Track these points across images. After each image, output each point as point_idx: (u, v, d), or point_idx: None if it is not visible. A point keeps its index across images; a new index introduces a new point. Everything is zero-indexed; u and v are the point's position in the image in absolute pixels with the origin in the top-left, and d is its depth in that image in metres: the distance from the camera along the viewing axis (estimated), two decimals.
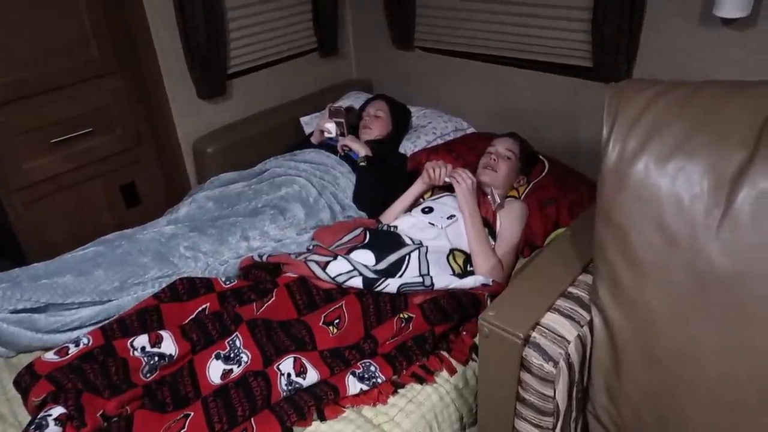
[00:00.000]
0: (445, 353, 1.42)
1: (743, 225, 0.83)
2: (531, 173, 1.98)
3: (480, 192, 1.81)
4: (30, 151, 1.99)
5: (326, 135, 2.19)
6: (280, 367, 1.29)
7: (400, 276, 1.53)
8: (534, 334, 1.02)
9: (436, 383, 1.34)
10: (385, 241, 1.64)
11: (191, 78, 2.18)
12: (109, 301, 1.53)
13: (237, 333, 1.36)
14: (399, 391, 1.32)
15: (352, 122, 2.26)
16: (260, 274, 1.59)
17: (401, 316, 1.42)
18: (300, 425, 1.21)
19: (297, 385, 1.26)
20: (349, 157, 2.09)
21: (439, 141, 2.30)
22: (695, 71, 1.71)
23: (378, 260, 1.57)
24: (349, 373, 1.31)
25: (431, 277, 1.50)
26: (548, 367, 0.99)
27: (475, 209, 1.71)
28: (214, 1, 2.08)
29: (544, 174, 1.98)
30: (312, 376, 1.28)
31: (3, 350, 1.44)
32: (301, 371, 1.29)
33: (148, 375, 1.30)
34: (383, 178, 2.00)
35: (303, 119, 2.47)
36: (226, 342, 1.35)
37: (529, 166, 1.96)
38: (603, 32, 1.79)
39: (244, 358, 1.32)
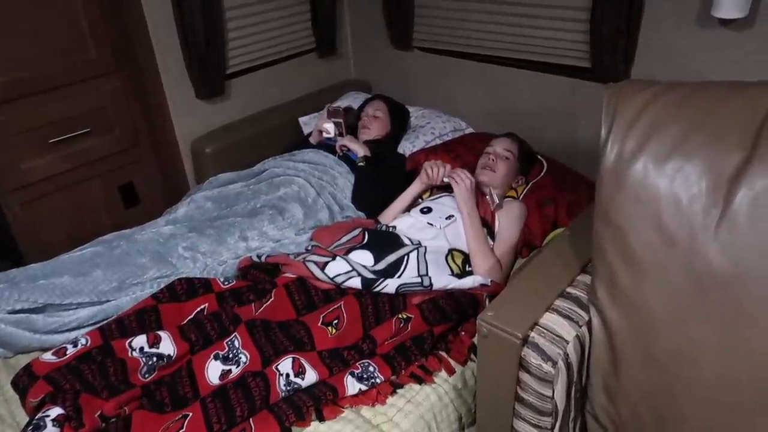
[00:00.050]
0: (443, 353, 1.42)
1: (741, 226, 0.83)
2: (529, 173, 1.98)
3: (479, 192, 1.82)
4: (28, 151, 1.99)
5: (325, 135, 2.19)
6: (278, 367, 1.29)
7: (399, 276, 1.53)
8: (533, 334, 1.03)
9: (434, 383, 1.34)
10: (384, 242, 1.64)
11: (189, 78, 2.18)
12: (108, 301, 1.53)
13: (236, 333, 1.36)
14: (398, 391, 1.32)
15: (350, 122, 2.26)
16: (259, 275, 1.59)
17: (400, 316, 1.42)
18: (299, 425, 1.21)
19: (296, 386, 1.26)
20: (347, 158, 2.08)
21: (438, 141, 2.30)
22: (693, 72, 1.71)
23: (377, 261, 1.57)
24: (347, 374, 1.31)
25: (430, 278, 1.50)
26: (547, 367, 1.00)
27: (473, 209, 1.71)
28: (213, 0, 2.08)
29: (542, 174, 1.98)
30: (311, 376, 1.28)
31: (1, 351, 1.44)
32: (299, 372, 1.29)
33: (146, 375, 1.30)
34: (382, 178, 2.00)
35: (301, 119, 2.47)
36: (224, 342, 1.35)
37: (527, 166, 1.97)
38: (601, 32, 1.79)
39: (243, 359, 1.32)
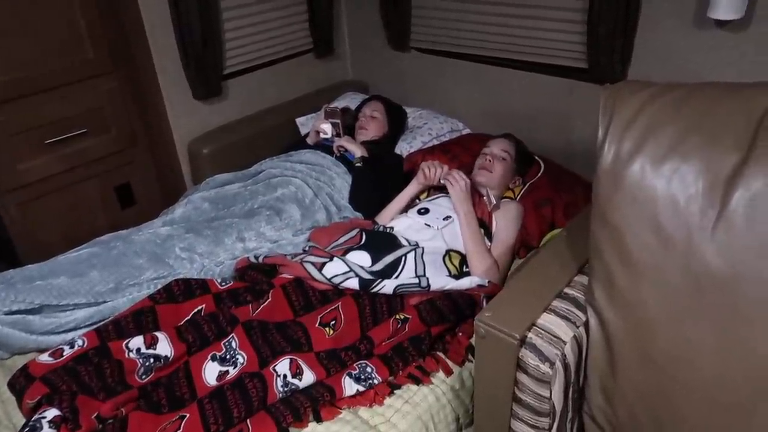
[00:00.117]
0: (441, 354, 1.42)
1: (738, 227, 0.83)
2: (526, 174, 1.98)
3: (476, 193, 1.82)
4: (24, 151, 1.98)
5: (322, 136, 2.19)
6: (276, 368, 1.29)
7: (396, 277, 1.53)
8: (530, 334, 1.03)
9: (432, 384, 1.34)
10: (382, 242, 1.64)
11: (186, 78, 2.17)
12: (104, 302, 1.53)
13: (233, 334, 1.36)
14: (395, 392, 1.32)
15: (348, 123, 2.26)
16: (256, 276, 1.59)
17: (397, 317, 1.42)
18: (296, 426, 1.20)
19: (293, 387, 1.26)
20: (345, 158, 2.08)
21: (435, 142, 2.30)
22: (690, 73, 1.72)
23: (374, 261, 1.57)
24: (345, 374, 1.31)
25: (427, 278, 1.50)
26: (544, 367, 1.00)
27: (470, 210, 1.71)
28: (210, 0, 2.07)
29: (539, 175, 1.98)
30: (308, 377, 1.28)
31: None
32: (297, 372, 1.28)
33: (143, 377, 1.30)
34: (379, 178, 1.99)
35: (299, 120, 2.47)
36: (222, 343, 1.34)
37: (524, 166, 1.97)
38: (598, 33, 1.80)
39: (240, 360, 1.31)
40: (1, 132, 1.91)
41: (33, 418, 1.17)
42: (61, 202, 2.13)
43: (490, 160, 1.87)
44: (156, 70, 2.11)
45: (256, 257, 1.63)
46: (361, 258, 1.57)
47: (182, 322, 1.42)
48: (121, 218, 2.28)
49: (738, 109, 0.88)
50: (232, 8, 2.22)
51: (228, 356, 1.32)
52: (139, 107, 2.25)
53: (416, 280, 1.49)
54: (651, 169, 0.90)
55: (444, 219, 1.74)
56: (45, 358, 1.29)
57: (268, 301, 1.45)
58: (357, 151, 2.05)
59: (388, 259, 1.57)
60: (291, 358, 1.31)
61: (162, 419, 1.20)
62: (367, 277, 1.49)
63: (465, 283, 1.50)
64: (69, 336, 1.45)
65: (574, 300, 1.09)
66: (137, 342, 1.31)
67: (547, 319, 1.05)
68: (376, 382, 1.31)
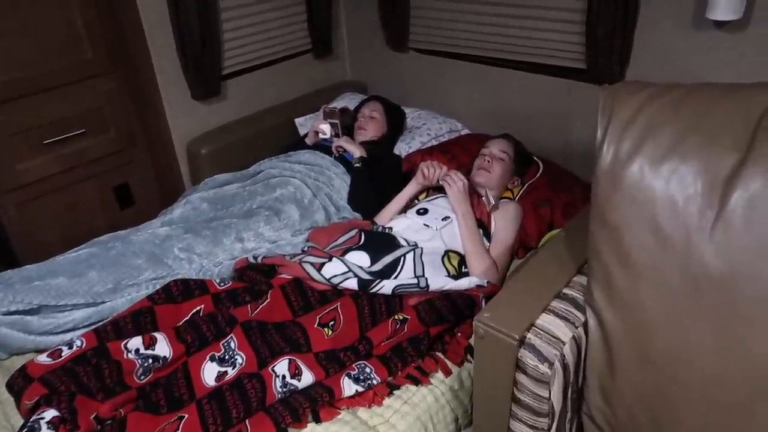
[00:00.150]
0: (440, 354, 1.42)
1: (736, 227, 0.83)
2: (525, 174, 1.98)
3: (474, 193, 1.82)
4: (23, 151, 1.98)
5: (321, 136, 2.19)
6: (274, 368, 1.29)
7: (395, 277, 1.53)
8: (529, 335, 1.03)
9: (431, 384, 1.34)
10: (380, 243, 1.64)
11: (185, 78, 2.17)
12: (103, 302, 1.52)
13: (232, 335, 1.36)
14: (394, 392, 1.32)
15: (346, 123, 2.26)
16: (255, 276, 1.59)
17: (396, 317, 1.42)
18: (295, 427, 1.20)
19: (292, 387, 1.26)
20: (343, 158, 2.08)
21: (434, 142, 2.30)
22: (688, 73, 1.72)
23: (373, 262, 1.57)
24: (344, 375, 1.31)
25: (426, 279, 1.50)
26: (543, 368, 1.00)
27: (467, 211, 1.71)
28: (209, 1, 2.07)
29: (538, 175, 1.98)
30: (307, 377, 1.28)
31: None
32: (296, 373, 1.28)
33: (142, 377, 1.29)
34: (378, 179, 2.00)
35: (297, 120, 2.47)
36: (220, 344, 1.34)
37: (523, 167, 1.97)
38: (597, 34, 1.80)
39: (239, 360, 1.31)
40: (0, 132, 1.91)
41: (31, 419, 1.17)
42: (59, 202, 2.13)
43: (488, 161, 1.87)
44: (155, 70, 2.11)
45: (255, 257, 1.63)
46: (360, 258, 1.57)
47: (181, 323, 1.42)
48: (119, 218, 2.28)
49: (736, 110, 0.88)
50: (231, 8, 2.22)
51: (227, 357, 1.32)
52: (138, 107, 2.25)
53: (415, 281, 1.49)
54: (650, 170, 0.90)
55: (443, 219, 1.74)
56: (43, 358, 1.29)
57: (266, 301, 1.45)
58: (356, 152, 2.05)
59: (387, 259, 1.57)
60: (290, 359, 1.31)
61: (161, 420, 1.20)
62: (366, 277, 1.49)
63: (464, 283, 1.50)
64: (67, 336, 1.44)
65: (573, 300, 1.09)
66: (136, 342, 1.31)
67: (546, 320, 1.05)
68: (375, 382, 1.31)
